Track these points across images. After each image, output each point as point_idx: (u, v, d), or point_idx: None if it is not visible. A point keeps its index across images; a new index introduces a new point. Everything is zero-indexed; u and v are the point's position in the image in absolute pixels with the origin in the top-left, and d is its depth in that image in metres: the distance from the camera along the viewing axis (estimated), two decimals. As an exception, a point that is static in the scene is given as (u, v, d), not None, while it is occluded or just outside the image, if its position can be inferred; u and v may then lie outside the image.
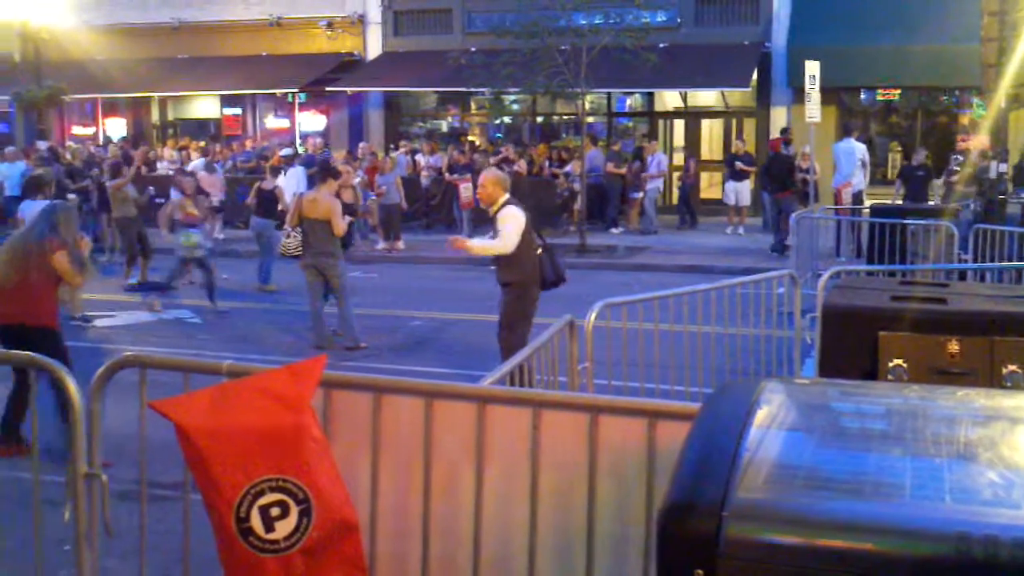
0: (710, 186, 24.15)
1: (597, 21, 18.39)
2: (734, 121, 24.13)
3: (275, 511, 3.21)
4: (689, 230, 21.36)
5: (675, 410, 3.27)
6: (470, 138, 25.09)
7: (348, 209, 11.61)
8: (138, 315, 13.01)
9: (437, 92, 25.83)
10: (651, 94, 24.47)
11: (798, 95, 19.69)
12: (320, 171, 11.91)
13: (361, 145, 21.79)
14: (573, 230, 19.60)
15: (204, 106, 28.21)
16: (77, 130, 28.34)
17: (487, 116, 25.81)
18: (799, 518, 1.90)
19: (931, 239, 11.71)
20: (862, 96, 23.12)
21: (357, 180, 15.26)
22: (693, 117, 24.69)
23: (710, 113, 24.72)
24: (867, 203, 17.47)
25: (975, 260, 11.27)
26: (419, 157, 22.68)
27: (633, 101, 25.56)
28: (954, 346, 4.37)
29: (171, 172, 19.55)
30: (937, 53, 20.01)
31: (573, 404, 3.53)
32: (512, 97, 23.97)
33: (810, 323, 8.10)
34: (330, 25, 25.60)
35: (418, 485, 3.52)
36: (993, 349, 4.32)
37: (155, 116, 28.69)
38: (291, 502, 3.22)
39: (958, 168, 17.35)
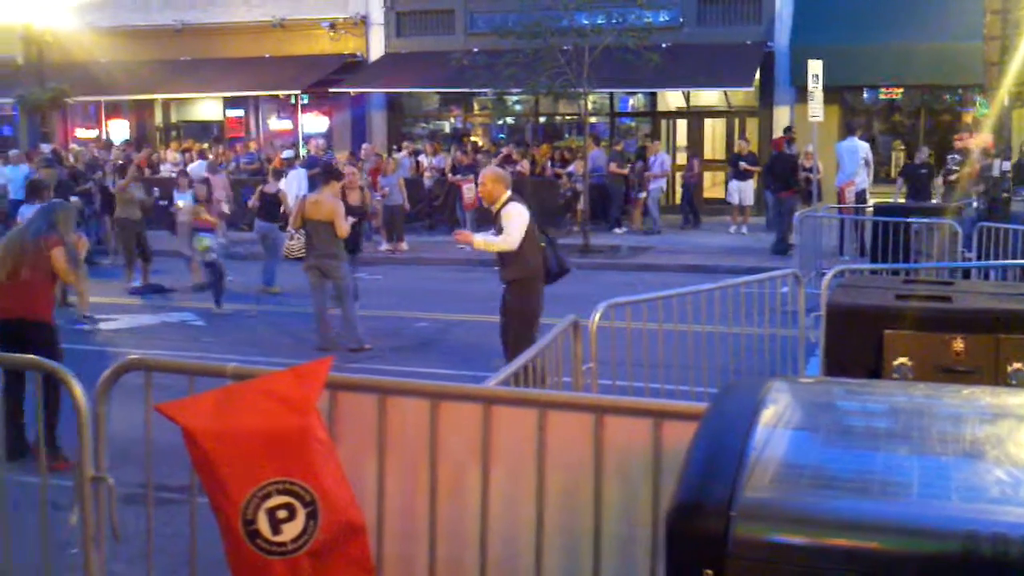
0: (713, 185, 24.14)
1: (599, 21, 18.39)
2: (737, 121, 24.12)
3: (282, 513, 3.21)
4: (692, 230, 21.35)
5: (680, 410, 3.27)
6: (473, 139, 25.09)
7: (355, 211, 11.58)
8: (141, 318, 13.02)
9: (440, 93, 25.84)
10: (654, 94, 24.47)
11: (801, 94, 19.68)
12: (323, 173, 11.92)
13: (364, 146, 21.80)
14: (576, 230, 19.59)
15: (207, 108, 28.24)
16: (80, 132, 28.38)
17: (490, 117, 25.81)
18: (807, 517, 1.90)
19: (935, 237, 11.69)
20: (865, 95, 23.10)
21: (363, 181, 15.25)
22: (696, 117, 24.69)
23: (713, 113, 24.71)
24: (870, 202, 17.46)
25: (979, 258, 11.26)
26: (422, 158, 22.69)
27: (636, 101, 25.55)
28: (959, 344, 4.37)
29: (174, 174, 19.57)
30: (940, 51, 19.99)
31: (579, 405, 3.53)
32: (515, 97, 23.96)
33: (814, 322, 8.09)
34: (333, 26, 25.61)
35: (424, 486, 3.52)
36: (998, 347, 4.33)
37: (158, 118, 28.72)
38: (298, 504, 3.22)
39: (956, 167, 17.34)
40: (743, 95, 23.38)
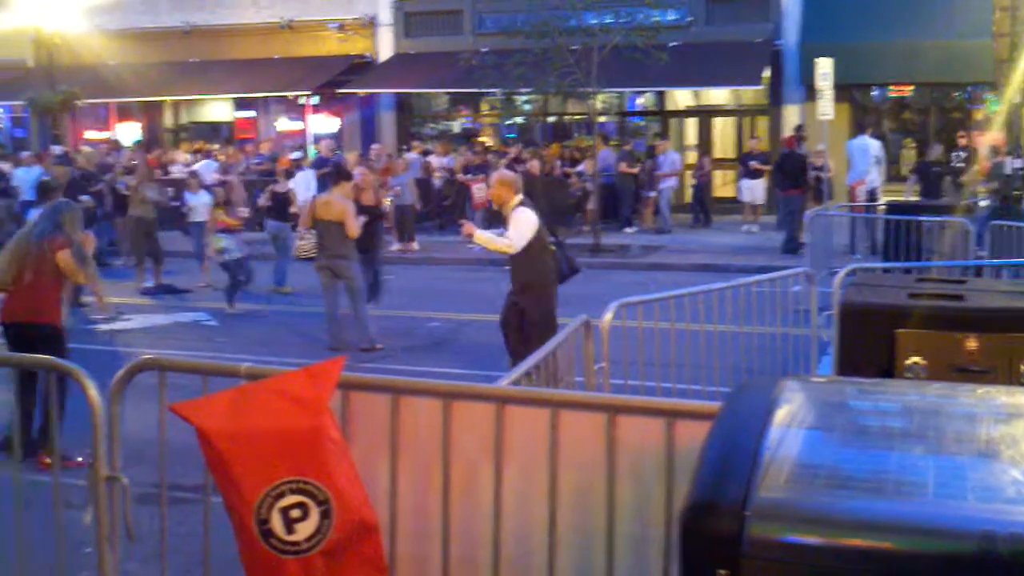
0: (723, 185, 24.10)
1: (608, 20, 18.37)
2: (746, 119, 24.08)
3: (295, 513, 3.23)
4: (703, 229, 21.32)
5: (693, 409, 3.27)
6: (482, 139, 25.09)
7: (369, 211, 11.55)
8: (154, 318, 13.06)
9: (449, 93, 25.84)
10: (663, 93, 24.44)
11: (811, 92, 19.63)
12: (333, 173, 11.94)
13: (374, 147, 21.81)
14: (587, 230, 19.59)
15: (216, 109, 28.30)
16: (91, 134, 28.44)
17: (499, 117, 25.82)
18: (821, 517, 1.90)
19: (947, 236, 11.65)
20: (875, 93, 23.04)
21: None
22: (705, 116, 24.65)
23: (722, 111, 24.67)
24: (882, 200, 17.41)
25: (992, 257, 11.21)
26: (431, 158, 22.71)
27: (645, 100, 25.53)
28: (972, 343, 4.36)
29: (184, 175, 19.62)
30: (949, 49, 19.93)
31: (591, 404, 3.53)
32: (523, 97, 23.97)
33: (826, 321, 8.08)
34: (341, 27, 25.63)
35: (437, 486, 3.52)
36: (1012, 346, 4.31)
37: (168, 120, 28.79)
38: (311, 503, 3.23)
39: (961, 164, 17.31)
40: (752, 94, 23.34)
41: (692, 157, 23.48)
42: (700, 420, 3.07)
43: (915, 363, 4.38)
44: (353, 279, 10.82)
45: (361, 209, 11.29)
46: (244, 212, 13.65)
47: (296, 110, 27.10)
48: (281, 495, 3.22)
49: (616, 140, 23.72)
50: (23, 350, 7.00)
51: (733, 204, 22.28)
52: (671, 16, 21.37)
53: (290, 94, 25.65)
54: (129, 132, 28.49)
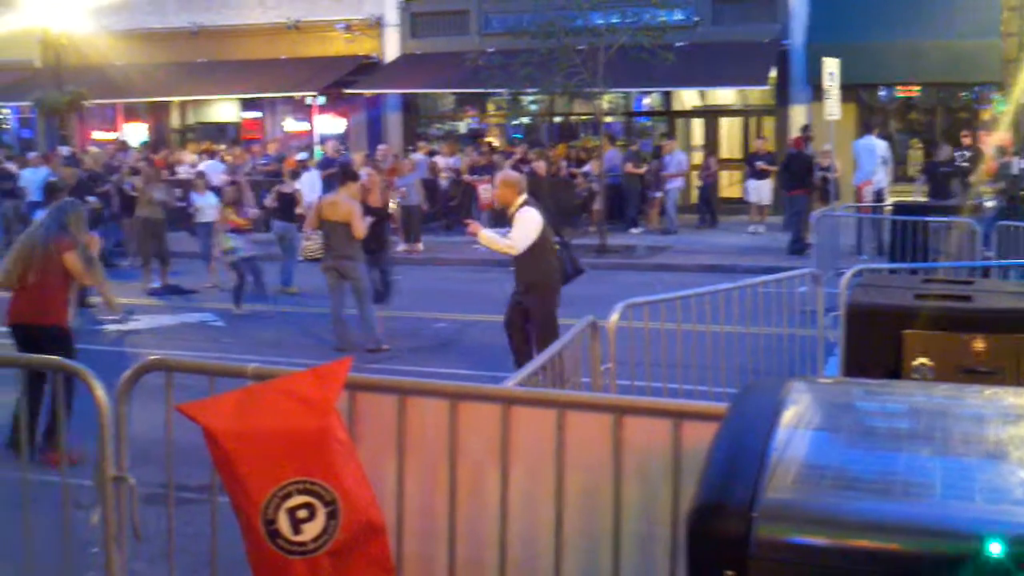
0: (730, 185, 24.08)
1: (614, 20, 18.37)
2: (753, 119, 24.05)
3: (302, 513, 3.23)
4: (709, 229, 21.30)
5: (700, 410, 3.27)
6: (488, 139, 25.10)
7: (376, 211, 11.54)
8: (161, 319, 13.09)
9: (455, 93, 25.86)
10: (669, 93, 24.42)
11: (817, 92, 19.59)
12: (340, 174, 11.95)
13: (381, 147, 21.83)
14: (593, 230, 19.58)
15: (223, 110, 28.34)
16: (98, 135, 28.51)
17: (505, 117, 25.83)
18: (829, 518, 1.90)
19: (954, 236, 11.63)
20: (881, 93, 23.00)
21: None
22: (711, 116, 24.64)
23: (729, 111, 24.65)
24: (889, 200, 17.38)
25: (999, 257, 11.19)
26: (438, 159, 22.73)
27: (651, 100, 25.52)
28: (980, 344, 4.35)
29: (190, 176, 19.67)
30: (956, 49, 19.89)
31: (598, 405, 3.53)
32: (530, 98, 23.97)
33: (832, 322, 8.06)
34: (348, 28, 25.66)
35: (444, 486, 3.53)
36: (1020, 347, 4.30)
37: (175, 120, 28.84)
38: (318, 504, 3.23)
39: (965, 164, 17.27)
40: (759, 94, 23.31)
41: (698, 157, 23.47)
42: (706, 421, 3.07)
43: (922, 364, 4.37)
44: (359, 280, 10.82)
45: (368, 210, 11.29)
46: (254, 212, 13.64)
47: (303, 110, 27.14)
48: (288, 495, 3.23)
49: (622, 140, 23.71)
50: (30, 351, 7.01)
51: (739, 204, 22.25)
52: (677, 16, 21.36)
53: (297, 94, 25.69)
54: (136, 132, 28.56)
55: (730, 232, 20.59)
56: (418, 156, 22.02)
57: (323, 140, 25.63)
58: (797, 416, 2.33)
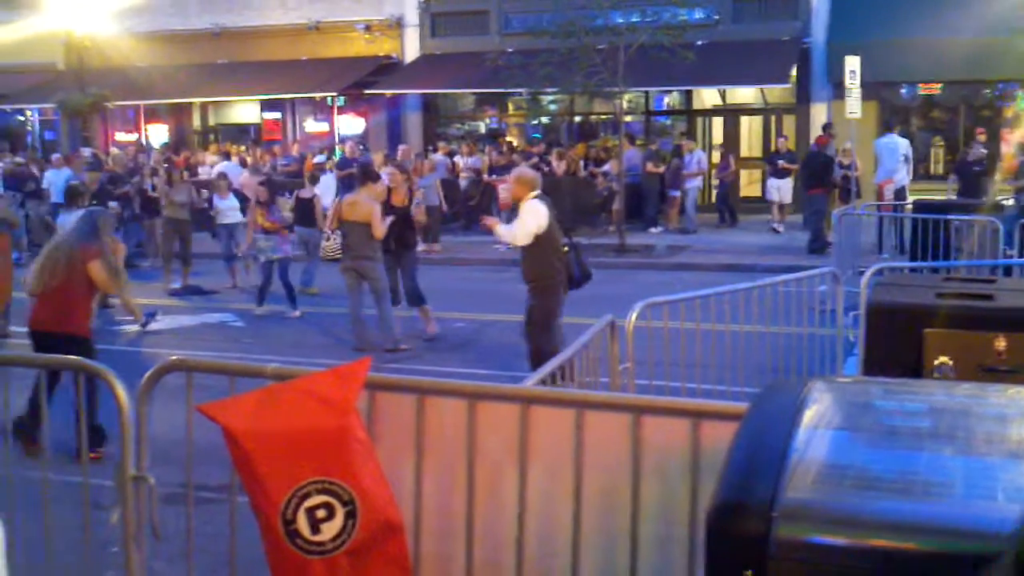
0: (750, 184, 24.00)
1: (634, 19, 18.35)
2: (773, 118, 23.95)
3: (321, 513, 3.24)
4: (728, 228, 21.23)
5: (718, 410, 3.26)
6: (508, 139, 25.10)
7: (398, 211, 11.51)
8: (181, 319, 13.15)
9: (475, 93, 25.86)
10: (689, 92, 24.36)
11: (838, 91, 19.51)
12: (360, 174, 11.97)
13: (401, 147, 21.87)
14: (612, 230, 19.55)
15: (244, 111, 28.46)
16: (120, 136, 28.70)
17: (525, 117, 25.83)
18: (849, 518, 1.89)
19: (975, 235, 11.54)
20: (903, 91, 22.86)
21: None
22: (732, 114, 24.54)
23: (749, 110, 24.55)
24: (910, 199, 17.28)
25: (1021, 255, 11.11)
26: (457, 159, 22.74)
27: (671, 99, 25.45)
28: (1001, 343, 4.31)
29: (209, 177, 19.79)
30: (978, 46, 19.73)
31: (616, 405, 3.53)
32: (549, 97, 23.96)
33: (852, 321, 8.02)
34: (368, 28, 25.71)
35: (462, 486, 3.53)
36: (1042, 346, 4.26)
37: (196, 121, 28.97)
38: (337, 504, 3.24)
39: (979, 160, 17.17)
40: (779, 92, 23.21)
41: (716, 156, 23.38)
42: (725, 420, 3.06)
43: (943, 363, 4.34)
44: (378, 279, 10.84)
45: (391, 210, 11.29)
46: (282, 217, 13.58)
47: (323, 111, 27.22)
48: (307, 495, 3.23)
49: (642, 140, 23.66)
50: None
51: (760, 204, 22.16)
52: (698, 15, 21.30)
53: (317, 95, 25.77)
54: (158, 134, 28.73)
55: (750, 231, 20.51)
56: (438, 156, 22.04)
57: (343, 140, 25.70)
58: (818, 416, 2.31)
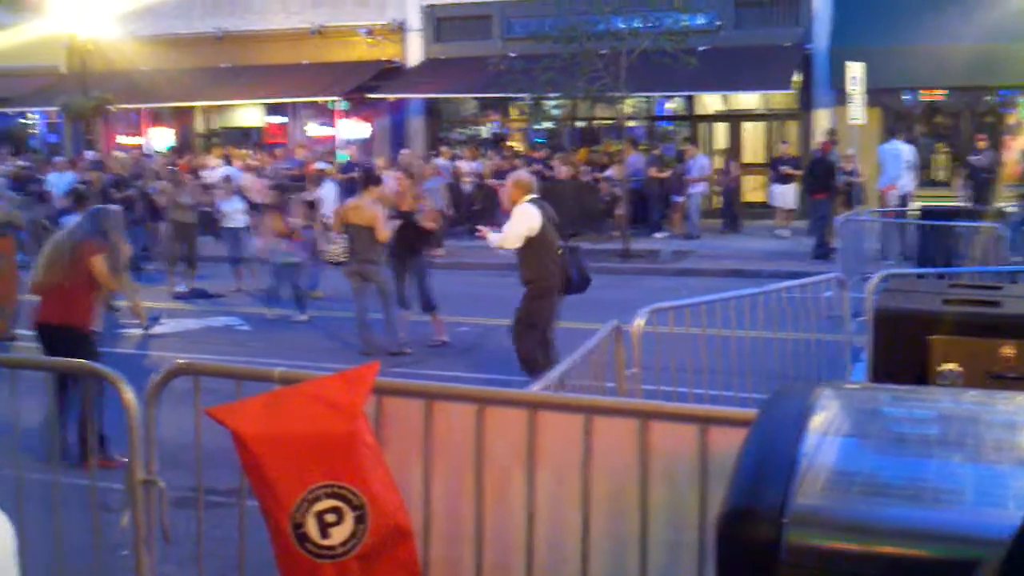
0: (753, 189, 24.00)
1: (636, 25, 18.35)
2: (776, 124, 23.98)
3: (330, 517, 3.25)
4: (731, 234, 21.23)
5: (726, 416, 3.26)
6: (511, 144, 25.12)
7: (406, 216, 11.52)
8: (186, 322, 13.16)
9: (477, 98, 25.86)
10: (692, 97, 24.37)
11: (841, 97, 19.52)
12: (363, 178, 12.00)
13: (404, 152, 21.90)
14: (616, 235, 19.56)
15: (247, 115, 28.49)
16: (123, 139, 28.73)
17: (527, 121, 25.85)
18: (859, 525, 1.89)
19: (980, 241, 11.55)
20: (906, 97, 22.87)
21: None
22: (735, 120, 24.56)
23: (752, 116, 24.56)
24: (916, 205, 17.29)
25: (1024, 262, 11.11)
26: (460, 163, 22.77)
27: (674, 105, 25.46)
28: (1008, 350, 4.32)
29: (212, 181, 19.81)
30: (981, 52, 19.75)
31: (624, 410, 3.54)
32: (552, 102, 23.97)
33: (859, 327, 8.03)
34: (371, 33, 25.75)
35: (470, 491, 3.54)
36: (1049, 353, 4.27)
37: (199, 125, 29.01)
38: (346, 508, 3.25)
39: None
40: (782, 98, 23.23)
41: (719, 162, 23.38)
42: (733, 426, 3.07)
43: (950, 370, 4.35)
44: (383, 283, 10.88)
45: (400, 215, 11.31)
46: (294, 222, 13.56)
47: (326, 115, 27.24)
48: (316, 499, 3.25)
49: (645, 145, 23.68)
50: (55, 353, 7.09)
51: (763, 209, 22.17)
52: (700, 20, 21.34)
53: (320, 99, 25.78)
54: (161, 137, 28.77)
55: (754, 237, 20.52)
56: (441, 161, 22.06)
57: (347, 145, 25.73)
58: (826, 422, 2.32)
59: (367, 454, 3.32)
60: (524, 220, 8.50)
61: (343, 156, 24.23)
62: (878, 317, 4.77)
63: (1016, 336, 4.31)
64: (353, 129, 26.90)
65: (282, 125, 27.99)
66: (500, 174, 20.89)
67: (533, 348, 8.49)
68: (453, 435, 3.58)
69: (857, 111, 16.93)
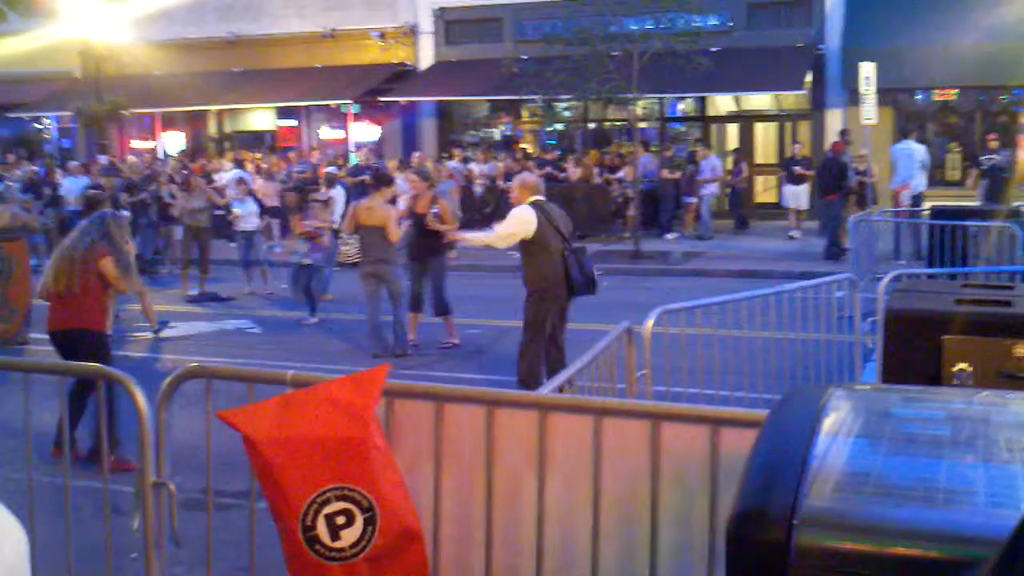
0: (765, 190, 23.96)
1: (648, 26, 18.34)
2: (788, 124, 23.93)
3: (340, 519, 3.25)
4: (742, 235, 21.19)
5: (737, 417, 3.25)
6: (522, 146, 25.14)
7: (422, 218, 11.51)
8: (198, 325, 13.20)
9: (489, 100, 25.90)
10: (704, 98, 24.35)
11: (853, 97, 19.47)
12: (374, 179, 12.02)
13: (416, 155, 21.94)
14: (627, 236, 19.54)
15: (260, 118, 28.57)
16: (136, 144, 28.86)
17: (539, 123, 25.85)
18: (871, 526, 1.88)
19: (992, 241, 11.49)
20: (918, 97, 22.79)
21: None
22: (746, 121, 24.52)
23: (764, 116, 24.52)
24: (926, 205, 17.21)
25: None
26: (472, 166, 22.78)
27: (685, 106, 25.44)
28: (1021, 349, 4.29)
29: (223, 184, 19.88)
30: (994, 51, 19.68)
31: (635, 411, 3.52)
32: (564, 104, 23.97)
33: (870, 327, 8.00)
34: (383, 36, 25.80)
35: (480, 493, 3.53)
36: (1062, 352, 4.24)
37: (212, 129, 29.11)
38: (356, 511, 3.25)
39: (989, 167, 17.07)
40: (794, 98, 23.19)
41: (728, 162, 23.34)
42: (744, 427, 3.06)
43: (962, 370, 4.33)
44: (396, 282, 10.90)
45: (415, 218, 11.31)
46: (309, 223, 13.56)
47: (338, 118, 27.30)
48: (326, 502, 3.25)
49: (656, 146, 23.65)
50: (69, 357, 7.13)
51: (775, 210, 22.12)
52: (712, 21, 21.31)
53: (332, 102, 25.84)
54: (174, 141, 28.88)
55: (765, 237, 20.48)
56: (453, 164, 22.07)
57: (358, 147, 25.78)
58: (838, 423, 2.31)
59: (377, 456, 3.31)
60: (515, 221, 8.47)
61: (354, 159, 24.27)
62: (889, 317, 4.75)
63: (1029, 336, 4.28)
64: (365, 132, 26.94)
65: (294, 128, 28.07)
66: (512, 176, 20.91)
67: (533, 366, 8.44)
68: (463, 437, 3.57)
69: (869, 111, 16.86)
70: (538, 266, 8.44)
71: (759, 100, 24.30)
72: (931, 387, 3.92)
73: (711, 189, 21.17)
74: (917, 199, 17.88)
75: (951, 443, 2.34)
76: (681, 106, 25.47)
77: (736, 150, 23.45)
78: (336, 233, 14.07)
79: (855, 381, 7.18)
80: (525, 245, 8.49)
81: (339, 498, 3.24)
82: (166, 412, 3.76)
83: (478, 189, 21.95)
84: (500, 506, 3.51)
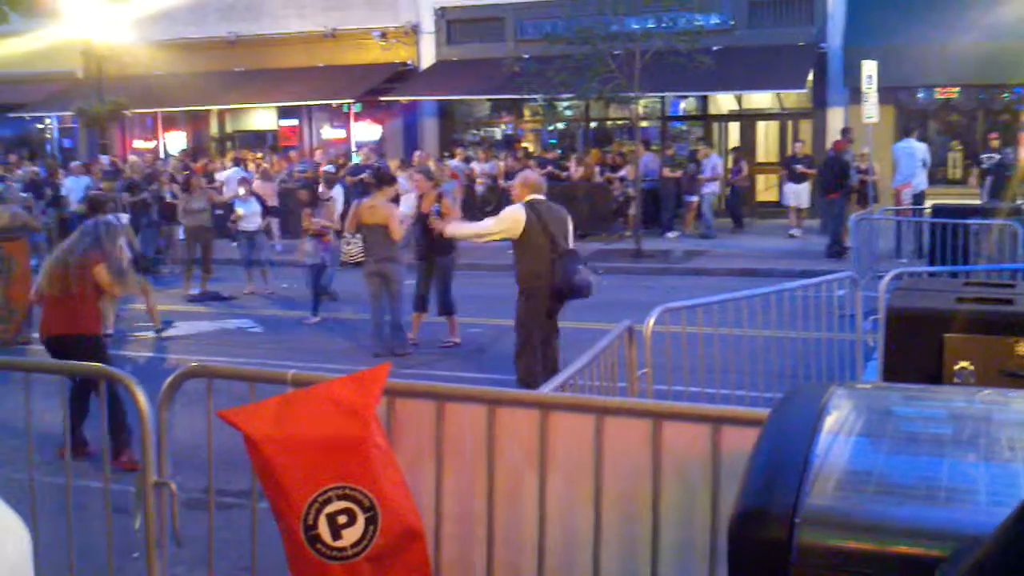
0: (766, 189, 23.94)
1: (649, 25, 18.32)
2: (790, 123, 23.91)
3: (342, 519, 3.25)
4: (743, 233, 21.17)
5: (738, 415, 3.25)
6: (524, 145, 25.14)
7: (426, 217, 11.50)
8: (200, 325, 13.20)
9: (490, 100, 25.89)
10: (705, 97, 24.34)
11: (855, 95, 19.46)
12: (376, 178, 12.02)
13: (418, 154, 21.94)
14: (629, 235, 19.53)
15: (261, 118, 28.58)
16: (138, 144, 28.87)
17: (541, 123, 25.85)
18: (873, 524, 1.88)
19: (994, 239, 11.49)
20: (920, 95, 22.78)
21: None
22: (748, 119, 24.51)
23: (765, 115, 24.52)
24: (928, 203, 17.20)
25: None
26: (474, 165, 22.79)
27: (687, 104, 25.43)
28: (1022, 348, 4.29)
29: (222, 184, 19.91)
30: (995, 50, 19.66)
31: (636, 410, 3.52)
32: (565, 103, 23.96)
33: (871, 326, 8.00)
34: (384, 35, 25.80)
35: (482, 492, 3.53)
36: (1064, 351, 4.24)
37: (214, 129, 29.12)
38: (357, 510, 3.25)
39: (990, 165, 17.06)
40: (796, 97, 23.18)
41: (729, 161, 23.33)
42: (746, 426, 3.06)
43: (963, 368, 4.32)
44: (397, 281, 10.90)
45: (420, 217, 11.32)
46: (318, 222, 13.53)
47: (340, 118, 27.31)
48: (328, 501, 3.24)
49: (658, 145, 23.64)
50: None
51: (776, 208, 22.10)
52: (713, 20, 21.29)
53: (334, 102, 25.85)
54: (176, 141, 28.89)
55: (766, 236, 20.47)
56: (454, 162, 22.08)
57: (359, 147, 25.80)
58: (839, 422, 2.31)
59: (378, 455, 3.31)
60: (505, 217, 8.45)
61: (356, 158, 24.28)
62: (891, 316, 4.74)
63: (1031, 334, 4.28)
64: (366, 132, 26.95)
65: (296, 128, 28.07)
66: (513, 175, 20.91)
67: (530, 365, 8.41)
68: (464, 436, 3.57)
69: (871, 109, 16.85)
70: (525, 265, 8.41)
71: (761, 99, 24.29)
72: (933, 385, 3.91)
73: (712, 188, 21.17)
74: (918, 197, 17.87)
75: (953, 442, 2.34)
76: (682, 105, 25.46)
77: (736, 149, 23.43)
78: (338, 233, 14.05)
79: (856, 380, 7.17)
80: (515, 243, 8.47)
81: (340, 497, 3.24)
82: (167, 412, 3.76)
83: (479, 188, 21.95)
84: (501, 505, 3.51)
